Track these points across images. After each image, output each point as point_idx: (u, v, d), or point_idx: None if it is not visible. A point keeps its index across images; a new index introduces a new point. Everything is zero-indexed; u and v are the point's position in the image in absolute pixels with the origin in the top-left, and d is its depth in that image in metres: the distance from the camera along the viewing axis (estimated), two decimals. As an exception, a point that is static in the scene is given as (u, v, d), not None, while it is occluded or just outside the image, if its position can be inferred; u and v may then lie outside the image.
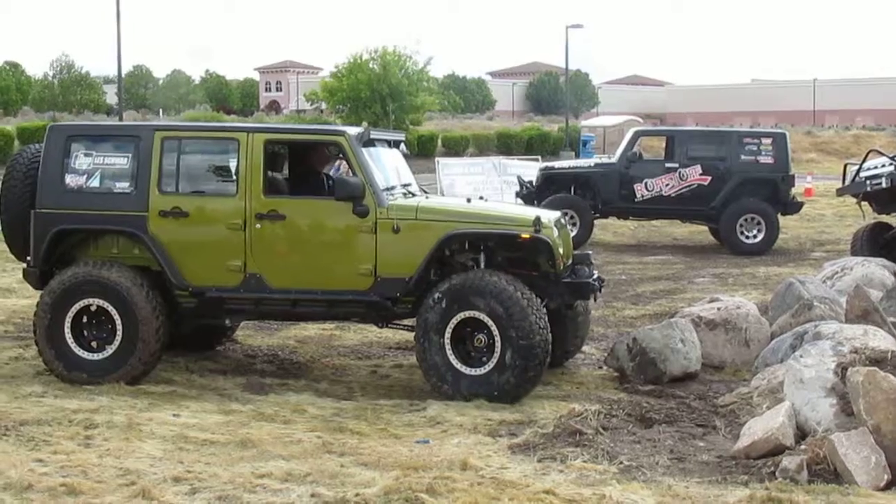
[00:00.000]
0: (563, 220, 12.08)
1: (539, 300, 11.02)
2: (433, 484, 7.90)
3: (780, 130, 28.45)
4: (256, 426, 9.84)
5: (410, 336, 13.82)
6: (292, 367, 12.72)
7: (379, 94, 54.21)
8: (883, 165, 18.62)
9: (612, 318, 15.91)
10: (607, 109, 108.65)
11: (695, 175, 24.72)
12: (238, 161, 11.45)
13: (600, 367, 12.69)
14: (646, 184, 24.86)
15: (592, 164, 27.26)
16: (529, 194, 25.32)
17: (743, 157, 24.79)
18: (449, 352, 10.95)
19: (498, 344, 10.79)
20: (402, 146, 12.76)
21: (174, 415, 10.18)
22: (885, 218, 19.97)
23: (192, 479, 8.16)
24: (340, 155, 11.79)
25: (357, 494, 7.77)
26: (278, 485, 8.06)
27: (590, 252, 12.30)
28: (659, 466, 8.58)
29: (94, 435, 9.42)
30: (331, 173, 12.86)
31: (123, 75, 58.51)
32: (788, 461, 8.18)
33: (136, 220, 11.48)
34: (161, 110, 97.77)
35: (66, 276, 11.48)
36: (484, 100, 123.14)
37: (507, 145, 62.17)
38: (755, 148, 24.87)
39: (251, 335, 14.45)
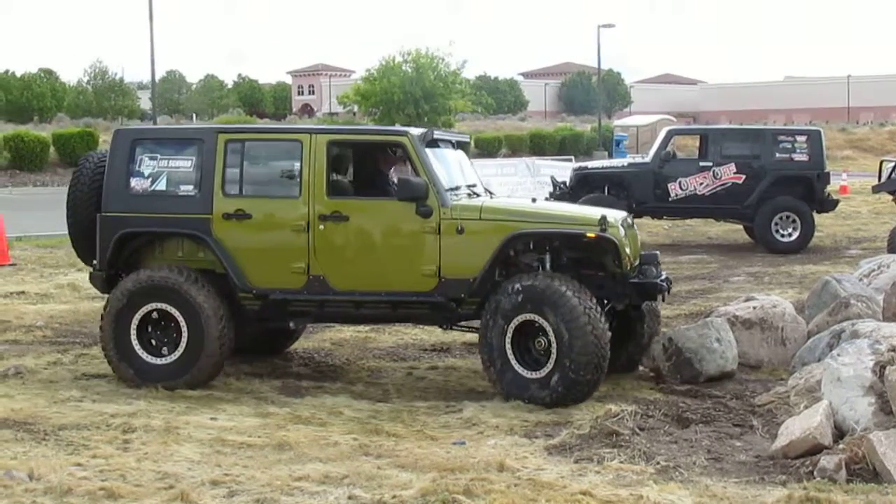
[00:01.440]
0: (630, 220, 11.92)
1: (601, 306, 10.92)
2: (470, 485, 7.91)
3: (814, 127, 28.35)
4: (293, 429, 9.86)
5: (446, 338, 13.87)
6: (328, 369, 12.74)
7: (412, 97, 54.27)
8: (918, 162, 18.53)
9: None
10: (640, 109, 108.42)
11: (729, 173, 24.63)
12: (301, 162, 11.43)
13: (635, 368, 12.67)
14: (680, 183, 24.78)
15: (626, 164, 27.20)
16: (563, 195, 25.25)
17: (777, 154, 24.68)
18: (508, 347, 10.86)
19: (554, 351, 10.68)
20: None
21: (211, 418, 10.21)
22: (921, 215, 19.88)
23: (230, 482, 8.19)
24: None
25: (394, 496, 7.78)
26: (315, 487, 8.07)
27: (657, 252, 12.16)
28: (696, 467, 8.55)
29: (132, 439, 9.45)
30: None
31: (157, 80, 58.80)
32: (827, 461, 8.14)
33: (200, 222, 11.50)
34: (194, 115, 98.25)
35: (131, 280, 11.52)
36: (516, 100, 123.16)
37: (539, 146, 62.18)
38: (789, 145, 24.76)
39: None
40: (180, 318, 11.37)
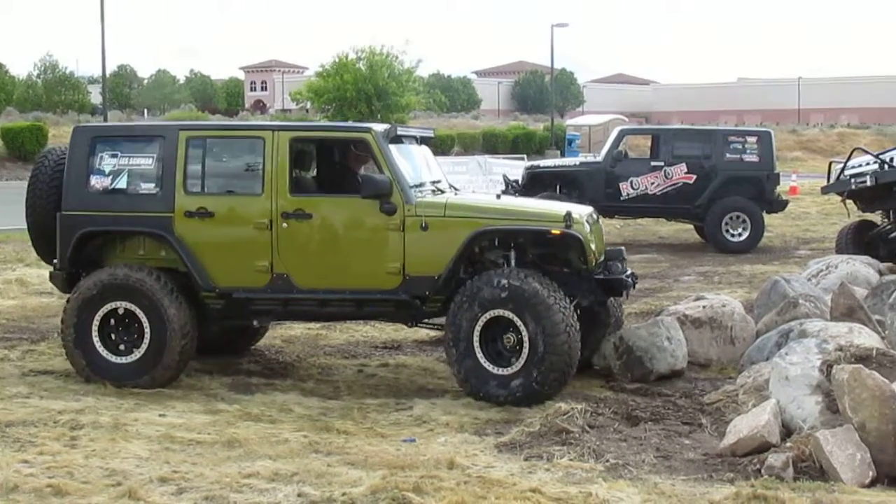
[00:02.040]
0: (595, 216, 11.90)
1: (569, 299, 10.89)
2: (420, 483, 7.91)
3: (765, 129, 28.51)
4: (243, 426, 9.83)
5: (397, 335, 13.87)
6: (278, 366, 12.70)
7: (365, 94, 54.18)
8: (867, 164, 18.68)
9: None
10: (593, 108, 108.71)
11: (680, 173, 24.75)
12: (264, 160, 11.34)
13: (587, 367, 12.70)
14: (631, 182, 24.88)
15: (578, 163, 27.27)
16: (515, 193, 25.30)
17: (728, 155, 24.82)
18: (477, 349, 10.79)
19: (526, 345, 10.65)
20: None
21: (160, 415, 10.16)
22: (869, 216, 20.03)
23: (179, 480, 8.15)
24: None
25: (344, 494, 7.77)
26: (265, 484, 8.05)
27: (623, 248, 12.16)
28: (645, 464, 8.59)
29: (79, 436, 9.39)
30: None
31: (108, 75, 58.36)
32: (774, 459, 8.20)
33: (161, 221, 11.39)
34: (146, 110, 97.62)
35: (92, 279, 11.40)
36: (469, 99, 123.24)
37: (492, 144, 62.23)
38: (740, 146, 24.91)
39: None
40: (143, 318, 11.27)
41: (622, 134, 26.47)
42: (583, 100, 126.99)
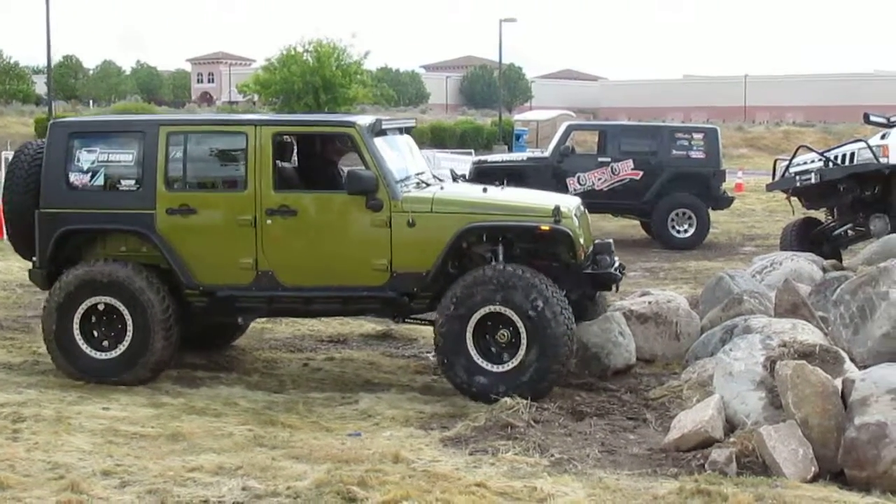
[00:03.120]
0: (582, 208, 11.82)
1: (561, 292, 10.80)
2: (365, 477, 7.89)
3: (711, 126, 28.68)
4: (187, 419, 9.79)
5: (343, 329, 13.84)
6: (224, 359, 12.63)
7: (312, 86, 53.98)
8: (812, 161, 18.79)
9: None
10: (541, 103, 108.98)
11: (627, 169, 24.83)
12: (246, 155, 11.16)
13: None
14: (578, 178, 24.92)
15: (525, 158, 27.32)
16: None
17: (674, 151, 24.92)
18: (471, 347, 10.68)
19: (523, 341, 10.57)
20: None
21: (104, 408, 10.10)
22: (813, 213, 20.18)
23: (122, 473, 8.11)
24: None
25: (288, 487, 7.75)
26: (209, 478, 8.02)
27: (611, 240, 12.08)
28: (590, 459, 8.62)
29: (21, 429, 9.31)
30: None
31: (53, 65, 57.83)
32: (717, 454, 8.25)
33: (143, 218, 11.19)
34: (91, 101, 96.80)
35: (74, 274, 11.22)
36: (417, 93, 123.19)
37: (440, 138, 62.17)
38: (686, 143, 25.02)
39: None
40: (126, 313, 11.11)
41: (569, 129, 26.52)
42: (531, 95, 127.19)
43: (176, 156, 11.34)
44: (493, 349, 10.72)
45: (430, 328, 11.13)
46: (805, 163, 18.92)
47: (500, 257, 11.09)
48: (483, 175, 25.54)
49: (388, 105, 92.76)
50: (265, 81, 55.93)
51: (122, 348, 11.15)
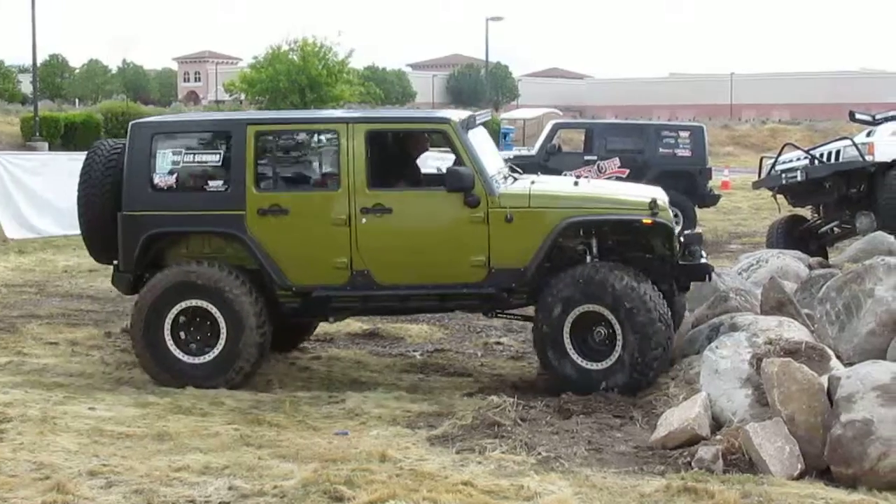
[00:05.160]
0: (666, 197, 11.64)
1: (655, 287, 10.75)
2: (352, 476, 7.89)
3: (697, 124, 28.75)
4: (173, 419, 9.76)
5: (329, 328, 13.81)
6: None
7: (298, 85, 53.92)
8: (798, 159, 18.82)
9: (530, 310, 15.85)
10: (527, 102, 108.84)
11: (613, 167, 24.86)
12: (339, 153, 11.01)
13: (518, 358, 12.75)
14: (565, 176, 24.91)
15: (512, 157, 27.27)
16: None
17: (661, 149, 24.97)
18: (568, 344, 10.68)
19: (619, 339, 10.58)
20: None
21: (90, 408, 10.06)
22: (799, 211, 20.21)
23: (108, 473, 8.08)
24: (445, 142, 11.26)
25: (275, 487, 7.74)
26: (195, 478, 8.00)
27: (700, 232, 11.98)
28: (577, 457, 8.62)
29: (7, 429, 9.26)
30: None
31: (39, 64, 57.64)
32: (704, 451, 8.26)
33: (233, 219, 11.01)
34: (77, 100, 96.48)
35: (165, 276, 11.05)
36: (404, 91, 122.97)
37: (427, 137, 61.96)
38: (673, 141, 25.07)
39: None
40: (219, 316, 10.95)
41: (556, 128, 26.57)
42: (517, 93, 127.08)
43: (265, 155, 11.22)
44: (591, 346, 10.71)
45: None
46: (791, 160, 18.95)
47: (594, 251, 11.05)
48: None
49: (375, 104, 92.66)
50: (251, 80, 55.86)
51: (215, 352, 11.01)
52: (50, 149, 39.77)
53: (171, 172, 11.20)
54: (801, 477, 8.03)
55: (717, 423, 8.93)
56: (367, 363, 12.49)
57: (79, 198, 11.57)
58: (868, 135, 18.39)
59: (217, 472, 8.13)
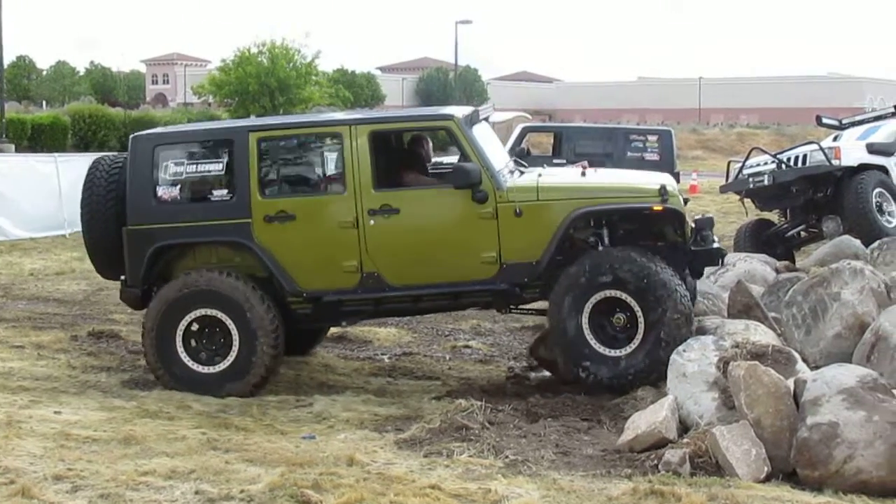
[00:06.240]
0: (675, 183, 11.40)
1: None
2: (319, 480, 7.87)
3: (665, 128, 28.77)
4: (140, 423, 9.71)
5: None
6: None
7: (267, 88, 53.81)
8: (765, 163, 18.89)
9: (498, 313, 15.88)
10: (496, 105, 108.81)
11: (582, 171, 24.84)
12: (343, 156, 10.94)
13: (486, 362, 12.76)
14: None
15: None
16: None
17: (629, 153, 24.94)
18: (587, 332, 10.52)
19: (641, 324, 10.42)
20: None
21: (55, 412, 9.99)
22: (766, 215, 20.28)
23: (74, 478, 8.02)
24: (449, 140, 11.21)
25: (242, 491, 7.71)
26: (162, 482, 7.95)
27: (712, 216, 11.88)
28: (544, 460, 8.62)
29: (-28, 433, 9.20)
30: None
31: (5, 66, 57.32)
32: (671, 454, 8.28)
33: (239, 228, 10.94)
34: (44, 102, 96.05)
35: (174, 287, 10.98)
36: (373, 94, 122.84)
37: (396, 140, 61.93)
38: (641, 145, 25.07)
39: (135, 331, 14.24)
40: (231, 325, 10.88)
41: (525, 131, 26.58)
42: (487, 97, 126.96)
43: (269, 162, 11.15)
44: (610, 334, 10.56)
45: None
46: (758, 165, 19.03)
47: (606, 240, 10.95)
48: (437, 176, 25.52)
49: (345, 107, 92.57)
50: (220, 82, 55.71)
51: (227, 361, 10.94)
52: (17, 151, 39.52)
53: (174, 184, 11.14)
54: (767, 480, 8.07)
55: (684, 427, 8.96)
56: (335, 367, 12.47)
57: (82, 215, 11.51)
58: (835, 139, 18.51)
59: (184, 477, 8.08)
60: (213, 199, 11.16)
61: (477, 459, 8.57)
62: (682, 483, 7.87)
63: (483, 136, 11.36)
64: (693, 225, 11.40)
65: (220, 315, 10.91)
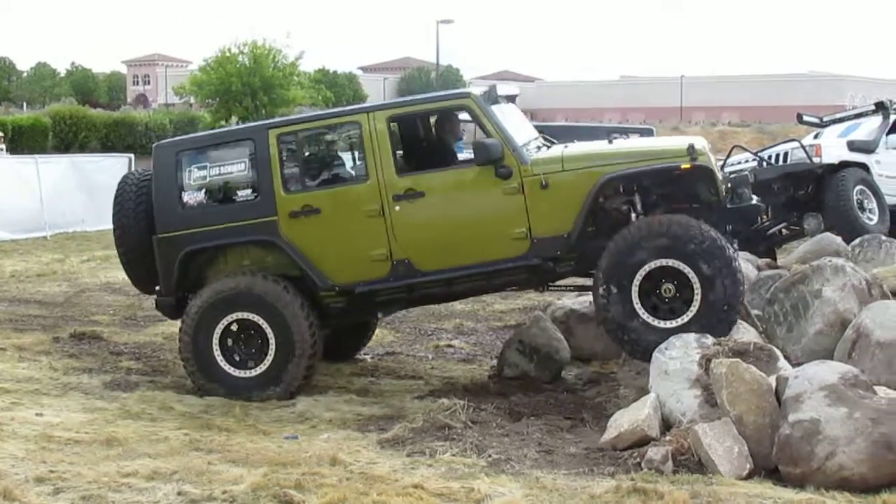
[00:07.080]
0: (706, 142, 11.06)
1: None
2: (302, 480, 7.86)
3: (647, 126, 28.88)
4: (122, 424, 9.70)
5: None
6: (159, 363, 12.55)
7: (250, 88, 53.73)
8: (746, 161, 18.96)
9: (481, 312, 15.96)
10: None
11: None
12: (363, 144, 10.85)
13: (469, 361, 12.76)
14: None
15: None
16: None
17: (611, 152, 24.98)
18: (637, 304, 10.13)
19: (697, 293, 10.00)
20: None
21: (37, 414, 9.98)
22: (748, 212, 20.31)
23: (56, 479, 8.00)
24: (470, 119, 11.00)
25: (225, 492, 7.70)
26: (144, 483, 7.94)
27: (747, 173, 11.58)
28: (527, 459, 8.63)
29: (-47, 435, 9.18)
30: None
31: (-14, 67, 57.17)
32: (654, 452, 8.29)
33: (266, 226, 10.89)
34: (25, 103, 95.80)
35: (209, 292, 10.91)
36: (355, 94, 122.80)
37: (378, 140, 61.87)
38: (623, 143, 25.10)
39: (117, 332, 14.25)
40: (267, 328, 10.80)
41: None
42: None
43: (290, 157, 11.11)
44: (661, 305, 10.18)
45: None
46: (740, 162, 19.09)
47: (639, 207, 10.72)
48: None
49: (327, 106, 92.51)
50: (201, 83, 55.59)
51: (265, 365, 10.86)
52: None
53: (199, 188, 11.14)
54: (749, 477, 8.08)
55: (666, 424, 8.97)
56: (317, 366, 12.44)
57: (114, 230, 11.54)
58: (816, 137, 18.57)
59: (166, 478, 8.07)
60: (238, 199, 11.15)
61: (460, 458, 8.57)
62: (664, 481, 7.88)
63: (506, 113, 11.22)
64: (728, 185, 11.17)
65: (255, 318, 10.86)
